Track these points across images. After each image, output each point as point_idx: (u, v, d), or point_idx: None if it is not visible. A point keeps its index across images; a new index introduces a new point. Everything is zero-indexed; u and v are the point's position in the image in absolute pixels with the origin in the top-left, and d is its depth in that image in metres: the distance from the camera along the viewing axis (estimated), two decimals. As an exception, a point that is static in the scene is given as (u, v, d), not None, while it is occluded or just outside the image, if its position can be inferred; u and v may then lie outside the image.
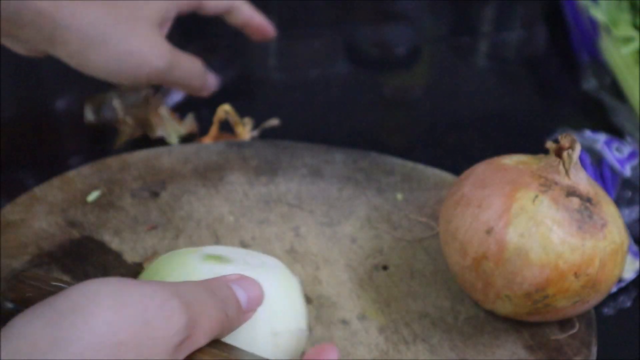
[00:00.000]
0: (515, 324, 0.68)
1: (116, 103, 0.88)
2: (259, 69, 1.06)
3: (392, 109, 1.02)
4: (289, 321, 0.60)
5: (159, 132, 0.89)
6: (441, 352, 0.67)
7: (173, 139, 0.89)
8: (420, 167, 0.83)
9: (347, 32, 1.13)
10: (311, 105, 0.99)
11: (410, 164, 0.83)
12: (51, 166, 0.85)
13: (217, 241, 0.75)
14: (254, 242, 0.76)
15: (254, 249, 0.75)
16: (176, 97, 0.95)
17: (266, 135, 0.90)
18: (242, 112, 0.90)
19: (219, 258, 0.61)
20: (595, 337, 0.68)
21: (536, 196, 0.64)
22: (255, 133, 0.90)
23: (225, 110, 0.88)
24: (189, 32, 1.05)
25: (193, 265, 0.60)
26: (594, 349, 0.67)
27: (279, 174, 0.82)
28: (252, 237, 0.76)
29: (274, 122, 0.91)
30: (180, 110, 0.93)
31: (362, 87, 1.03)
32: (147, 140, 0.88)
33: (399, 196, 0.80)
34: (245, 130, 0.89)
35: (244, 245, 0.75)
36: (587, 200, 0.65)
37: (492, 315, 0.69)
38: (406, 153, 0.85)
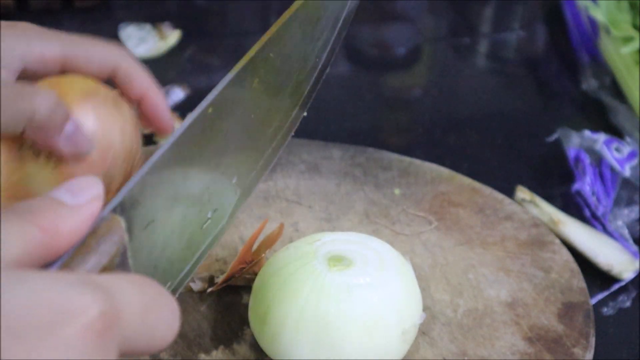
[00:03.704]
0: (514, 317, 0.68)
1: None
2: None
3: (392, 109, 1.02)
4: (414, 316, 0.63)
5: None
6: (441, 345, 0.67)
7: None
8: (418, 162, 0.83)
9: (347, 32, 1.13)
10: (311, 105, 0.99)
11: (407, 159, 0.83)
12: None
13: (217, 237, 0.75)
14: (253, 237, 0.76)
15: (254, 245, 0.75)
16: (176, 97, 0.96)
17: (266, 134, 0.90)
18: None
19: (340, 259, 0.63)
20: (594, 329, 0.68)
21: None
22: (255, 132, 0.90)
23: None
24: (189, 32, 1.06)
25: (323, 275, 0.62)
26: (592, 340, 0.67)
27: (277, 170, 0.82)
28: (251, 232, 0.76)
29: (274, 121, 0.91)
30: (180, 110, 0.93)
31: (362, 87, 1.04)
32: (149, 140, 0.88)
33: (397, 191, 0.80)
34: (245, 130, 0.90)
35: (243, 241, 0.75)
36: None
37: (490, 307, 0.69)
38: (406, 153, 0.86)
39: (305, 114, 0.61)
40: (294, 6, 0.59)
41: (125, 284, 0.42)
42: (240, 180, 0.56)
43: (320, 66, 0.62)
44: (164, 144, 0.49)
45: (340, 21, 0.63)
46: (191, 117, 0.51)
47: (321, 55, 0.62)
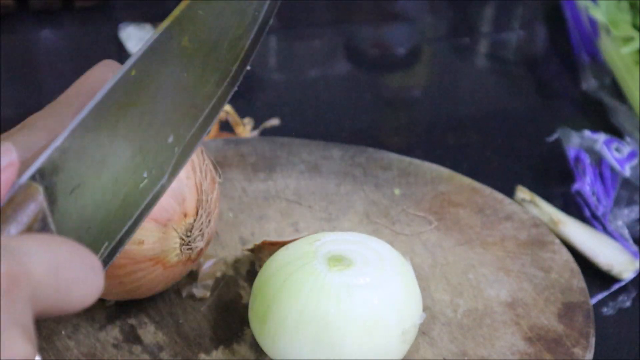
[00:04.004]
0: (514, 317, 0.68)
1: None
2: (259, 69, 1.06)
3: (392, 109, 1.02)
4: (414, 316, 0.63)
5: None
6: (441, 345, 0.67)
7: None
8: (417, 162, 0.83)
9: (347, 32, 1.13)
10: (311, 105, 0.99)
11: (407, 159, 0.83)
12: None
13: (217, 237, 0.75)
14: (253, 237, 0.76)
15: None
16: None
17: (266, 135, 0.90)
18: (242, 112, 0.90)
19: (340, 259, 0.63)
20: (594, 329, 0.68)
21: None
22: (256, 133, 0.90)
23: (225, 110, 0.88)
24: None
25: (323, 275, 0.62)
26: (592, 340, 0.67)
27: (277, 170, 0.82)
28: (251, 232, 0.76)
29: (274, 122, 0.91)
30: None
31: (362, 87, 1.04)
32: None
33: (397, 191, 0.80)
34: (246, 131, 0.90)
35: (243, 241, 0.75)
36: None
37: (490, 307, 0.69)
38: (406, 153, 0.86)
39: (249, 67, 0.60)
40: None
41: (34, 243, 0.42)
42: (177, 140, 0.56)
43: (260, 20, 0.62)
44: (84, 109, 0.49)
45: None
46: (112, 81, 0.51)
47: (260, 8, 0.61)
